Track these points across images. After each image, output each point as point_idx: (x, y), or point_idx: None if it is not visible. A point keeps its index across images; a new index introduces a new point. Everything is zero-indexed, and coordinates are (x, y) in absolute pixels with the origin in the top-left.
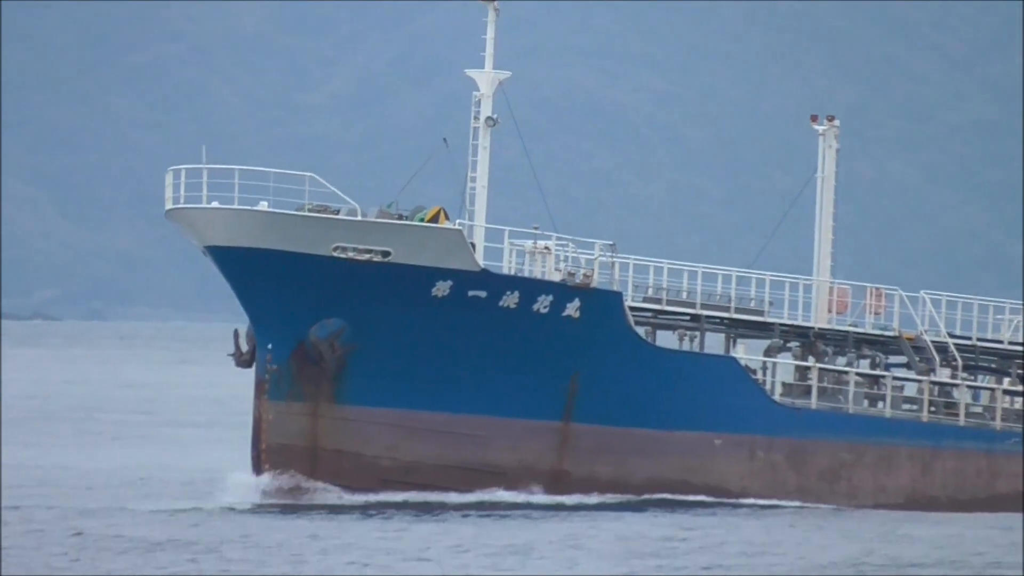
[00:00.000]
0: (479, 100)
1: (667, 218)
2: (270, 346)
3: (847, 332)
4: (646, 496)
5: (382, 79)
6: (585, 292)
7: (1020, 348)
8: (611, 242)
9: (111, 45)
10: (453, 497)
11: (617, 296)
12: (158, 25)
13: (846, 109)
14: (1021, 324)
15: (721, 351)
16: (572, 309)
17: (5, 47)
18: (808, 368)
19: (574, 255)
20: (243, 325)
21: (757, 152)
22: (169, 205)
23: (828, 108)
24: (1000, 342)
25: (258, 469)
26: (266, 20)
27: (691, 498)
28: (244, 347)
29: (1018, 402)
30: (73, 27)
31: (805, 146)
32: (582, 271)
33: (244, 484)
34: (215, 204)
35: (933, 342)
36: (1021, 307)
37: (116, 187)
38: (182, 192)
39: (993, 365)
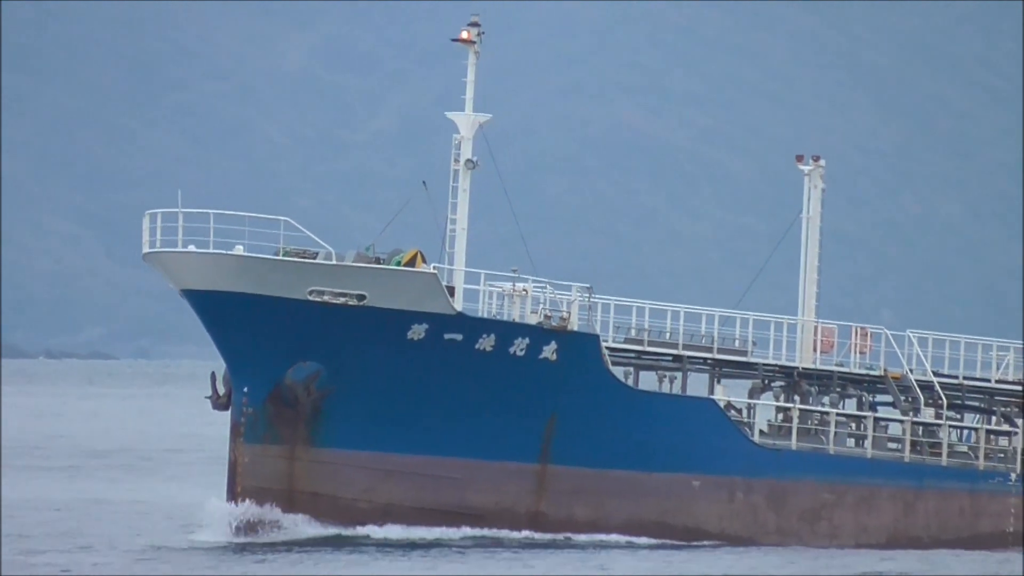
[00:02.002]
0: (459, 143)
1: (713, 255)
2: (246, 389)
3: (832, 372)
4: (624, 538)
5: (427, 116)
6: (562, 335)
7: (1008, 387)
8: (588, 284)
9: (156, 83)
10: (424, 533)
11: (594, 338)
12: (203, 63)
13: (892, 147)
14: (1013, 362)
15: (706, 392)
16: (549, 352)
17: (50, 86)
18: (790, 408)
19: (553, 297)
20: (221, 368)
21: (802, 189)
22: (146, 249)
23: (874, 145)
24: (987, 380)
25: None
26: (311, 58)
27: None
28: (221, 390)
29: (1003, 441)
30: (118, 65)
31: (850, 184)
32: (560, 314)
33: (219, 515)
34: (191, 248)
35: (919, 381)
36: (1021, 344)
37: None
38: (158, 236)
39: (980, 404)
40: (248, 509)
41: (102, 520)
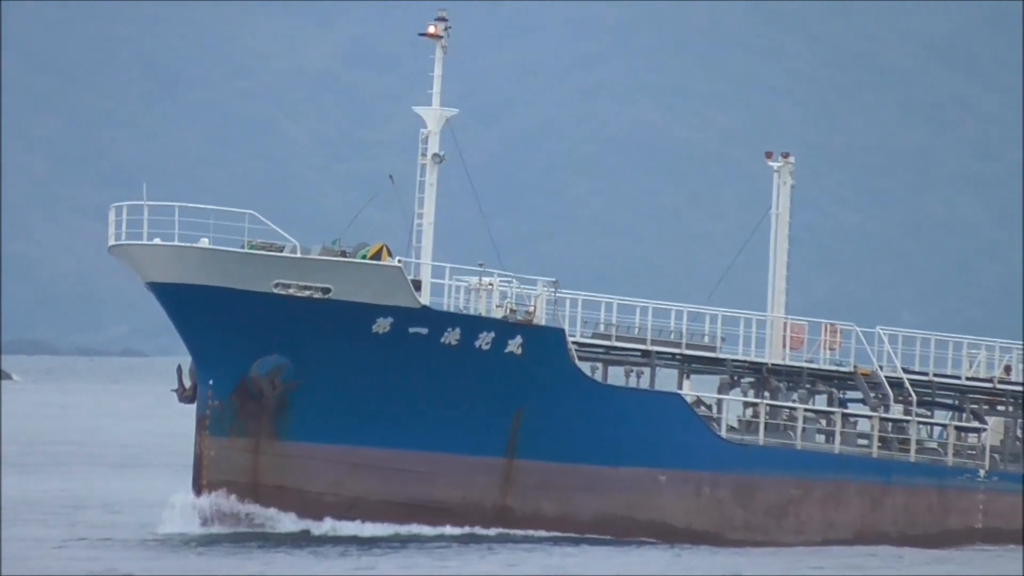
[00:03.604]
0: (426, 137)
1: (734, 255)
2: (211, 382)
3: (801, 368)
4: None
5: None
6: (527, 329)
7: (979, 384)
8: (553, 279)
9: (178, 82)
10: (390, 526)
11: (559, 333)
12: (225, 62)
13: (914, 147)
14: (984, 360)
15: (675, 388)
16: (514, 346)
17: (74, 85)
18: (758, 404)
19: (519, 291)
20: (188, 361)
21: (824, 190)
22: (112, 241)
23: (896, 146)
24: (958, 378)
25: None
26: (332, 57)
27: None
28: (187, 383)
29: (972, 438)
30: (141, 65)
31: (873, 184)
32: (526, 308)
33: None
34: (156, 241)
35: (889, 378)
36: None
37: None
38: (124, 229)
39: (950, 401)
40: (213, 503)
41: (79, 514)
